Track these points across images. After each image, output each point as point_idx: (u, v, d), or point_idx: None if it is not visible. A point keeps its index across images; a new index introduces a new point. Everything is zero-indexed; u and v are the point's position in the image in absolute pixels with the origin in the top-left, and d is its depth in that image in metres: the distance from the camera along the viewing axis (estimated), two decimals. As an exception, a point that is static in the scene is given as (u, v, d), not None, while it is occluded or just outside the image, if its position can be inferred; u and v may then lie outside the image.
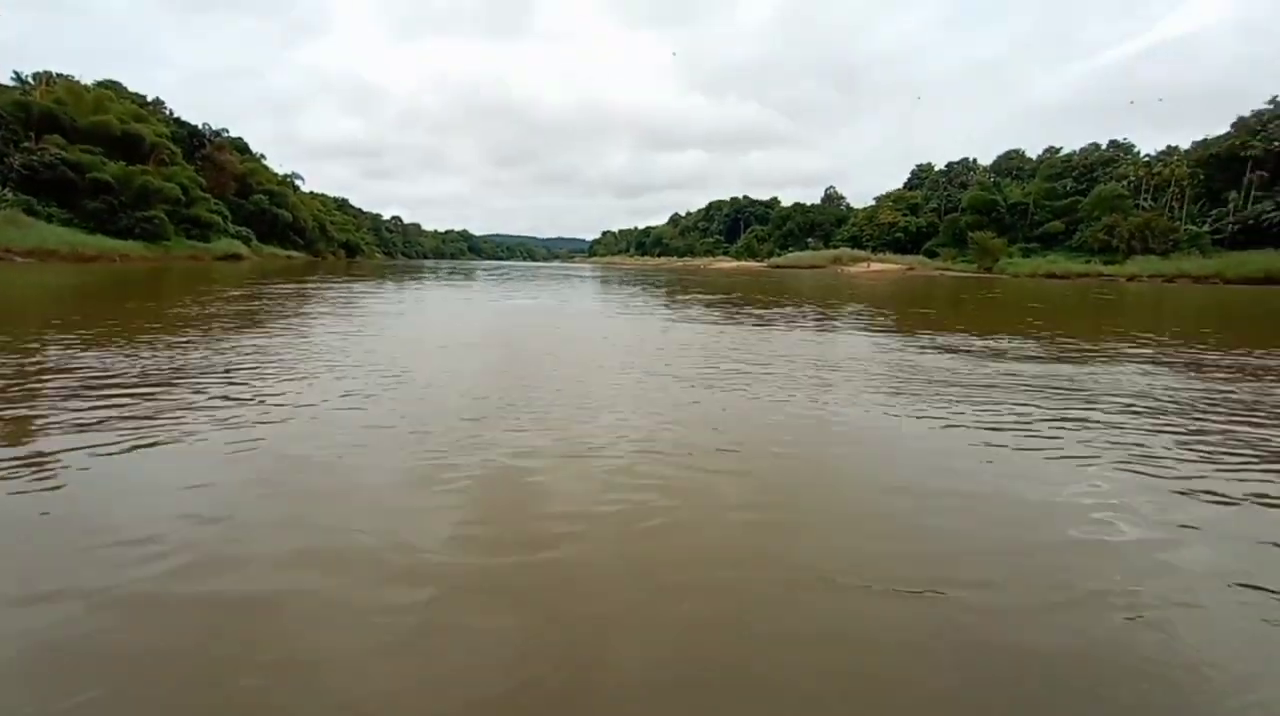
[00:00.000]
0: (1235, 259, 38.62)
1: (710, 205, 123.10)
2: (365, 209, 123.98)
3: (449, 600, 1.89)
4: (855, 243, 72.85)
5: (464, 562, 2.13)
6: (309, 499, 2.64)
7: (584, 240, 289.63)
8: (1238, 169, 46.20)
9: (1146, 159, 56.59)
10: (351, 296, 13.61)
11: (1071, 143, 70.73)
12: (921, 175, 79.70)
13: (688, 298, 17.09)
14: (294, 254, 60.81)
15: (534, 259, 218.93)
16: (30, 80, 45.14)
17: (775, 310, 13.23)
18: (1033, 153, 69.49)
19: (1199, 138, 52.15)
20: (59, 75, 47.07)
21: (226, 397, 4.24)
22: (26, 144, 37.11)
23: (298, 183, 76.44)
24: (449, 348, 7.06)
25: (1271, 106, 46.50)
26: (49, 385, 4.39)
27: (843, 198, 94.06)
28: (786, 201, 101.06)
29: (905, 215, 71.95)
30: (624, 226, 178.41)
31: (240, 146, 64.26)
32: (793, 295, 19.14)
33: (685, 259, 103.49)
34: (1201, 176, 49.08)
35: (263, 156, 69.74)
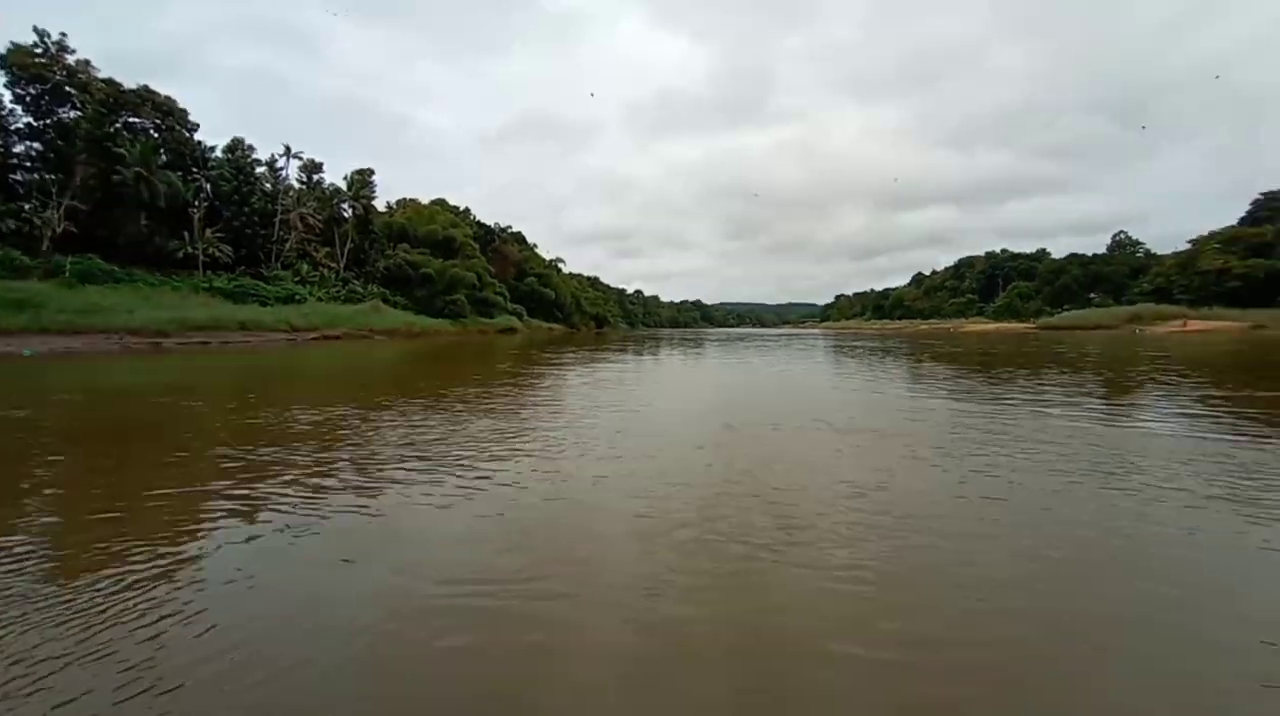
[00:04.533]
0: None
1: (960, 262, 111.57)
2: (612, 284, 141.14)
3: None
4: (1162, 296, 58.11)
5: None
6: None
7: (815, 304, 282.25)
8: None
9: None
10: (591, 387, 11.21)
11: None
12: (1273, 206, 60.62)
13: (945, 374, 13.87)
14: (554, 326, 71.88)
15: (763, 325, 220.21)
16: (394, 205, 62.82)
17: (1098, 393, 9.98)
18: None
19: None
20: (410, 199, 64.69)
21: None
22: (389, 251, 51.45)
23: (561, 265, 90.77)
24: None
25: None
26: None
27: (1138, 243, 76.78)
28: (1058, 252, 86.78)
29: (1243, 258, 55.27)
30: (859, 289, 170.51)
31: (519, 238, 79.35)
32: (1097, 365, 15.85)
33: (931, 322, 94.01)
34: None
35: (535, 246, 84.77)
